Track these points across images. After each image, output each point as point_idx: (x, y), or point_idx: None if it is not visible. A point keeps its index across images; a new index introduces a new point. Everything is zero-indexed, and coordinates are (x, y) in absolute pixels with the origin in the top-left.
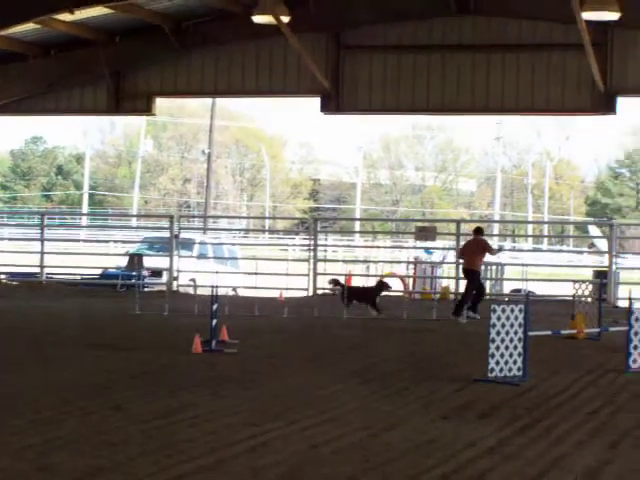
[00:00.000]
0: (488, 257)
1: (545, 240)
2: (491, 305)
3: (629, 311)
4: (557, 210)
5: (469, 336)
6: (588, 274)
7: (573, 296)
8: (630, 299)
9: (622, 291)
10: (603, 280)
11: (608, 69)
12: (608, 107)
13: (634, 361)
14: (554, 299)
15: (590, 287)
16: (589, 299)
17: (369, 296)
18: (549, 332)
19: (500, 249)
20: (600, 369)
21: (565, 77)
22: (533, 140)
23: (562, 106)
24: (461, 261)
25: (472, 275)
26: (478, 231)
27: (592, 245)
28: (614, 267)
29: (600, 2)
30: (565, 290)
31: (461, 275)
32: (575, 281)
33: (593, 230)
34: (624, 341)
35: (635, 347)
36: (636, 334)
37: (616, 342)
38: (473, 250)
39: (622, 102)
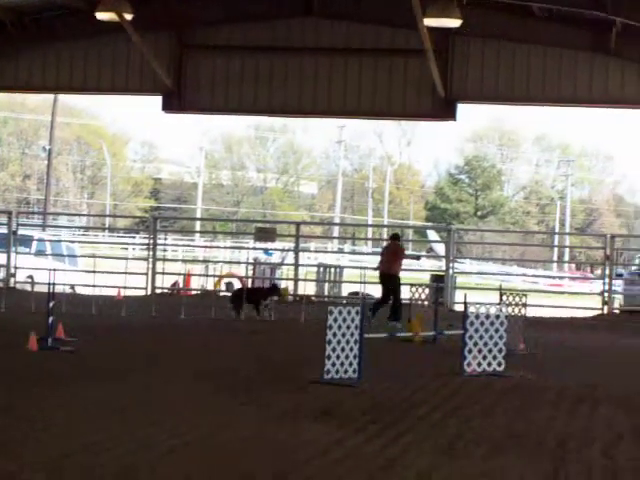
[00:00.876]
0: (329, 260)
1: (385, 244)
2: (328, 307)
3: (464, 315)
4: (397, 214)
5: (307, 337)
6: (426, 278)
7: (410, 299)
8: (465, 303)
9: (459, 295)
10: (440, 284)
11: (448, 75)
12: (448, 113)
13: (468, 365)
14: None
15: (427, 291)
16: (426, 303)
17: (258, 297)
18: (385, 335)
19: (418, 257)
20: (435, 372)
21: (406, 82)
22: (375, 144)
23: (403, 111)
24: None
25: (389, 279)
26: (394, 237)
27: (430, 250)
28: (451, 271)
29: (442, 9)
30: (403, 294)
31: (302, 276)
32: (412, 285)
33: (432, 235)
34: (459, 345)
35: (469, 351)
36: (471, 338)
37: (451, 345)
38: (390, 255)
39: (462, 108)
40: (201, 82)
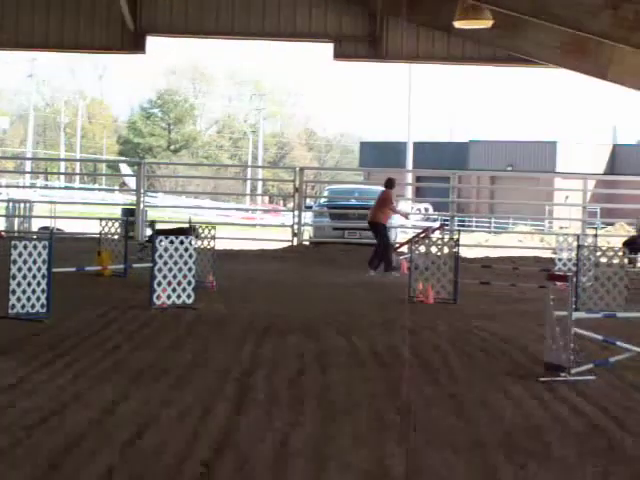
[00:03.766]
0: (20, 195)
1: (77, 178)
2: (12, 241)
3: (153, 248)
4: (90, 149)
5: None
6: (118, 212)
7: (100, 233)
8: (154, 236)
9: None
10: (130, 218)
11: (138, 8)
12: (138, 46)
13: (158, 297)
14: (83, 237)
15: (117, 224)
16: (116, 236)
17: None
18: (74, 269)
19: (405, 214)
20: (125, 305)
21: (95, 14)
22: (67, 78)
23: (92, 44)
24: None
25: (374, 227)
26: (386, 184)
27: (124, 184)
28: (142, 205)
29: None
30: (95, 228)
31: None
32: (102, 219)
33: (125, 169)
34: (148, 278)
35: (159, 283)
36: (160, 271)
37: (141, 279)
38: (377, 203)
39: (153, 42)
40: None
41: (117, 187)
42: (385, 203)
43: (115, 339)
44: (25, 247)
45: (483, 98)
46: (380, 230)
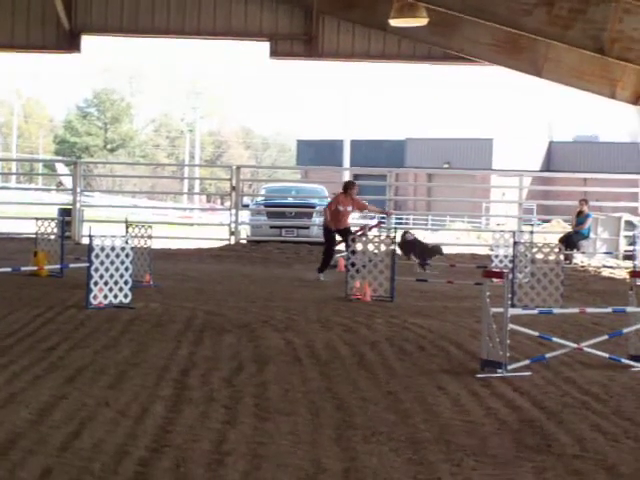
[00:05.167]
0: None
1: (13, 178)
2: None
3: (89, 247)
4: (26, 149)
5: None
6: (55, 212)
7: (36, 233)
8: (90, 236)
9: (87, 228)
10: (66, 217)
11: (73, 6)
12: (73, 45)
13: (94, 297)
14: (18, 237)
15: (53, 224)
16: (52, 236)
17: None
18: (9, 269)
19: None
20: (61, 305)
21: (30, 14)
22: (3, 78)
23: (27, 43)
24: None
25: (324, 232)
26: (344, 186)
27: (60, 183)
28: (78, 205)
29: None
30: (31, 228)
31: None
32: (38, 219)
33: (61, 168)
34: (85, 278)
35: (95, 283)
36: (96, 270)
37: (78, 279)
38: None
39: (89, 41)
40: None
41: (54, 187)
42: (330, 205)
43: (52, 339)
44: None
45: (419, 96)
46: (325, 234)
